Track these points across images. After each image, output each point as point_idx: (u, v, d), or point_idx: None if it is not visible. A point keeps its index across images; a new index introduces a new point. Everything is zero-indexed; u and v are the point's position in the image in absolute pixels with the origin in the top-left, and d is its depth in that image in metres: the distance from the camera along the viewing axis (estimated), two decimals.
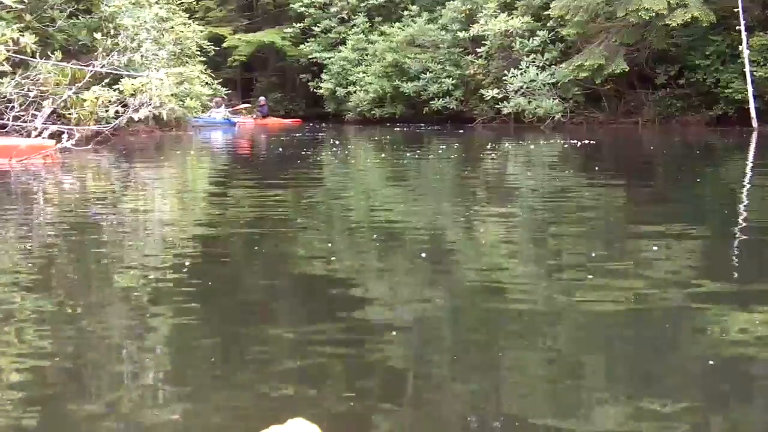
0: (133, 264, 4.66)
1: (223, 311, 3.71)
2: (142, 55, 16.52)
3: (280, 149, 16.47)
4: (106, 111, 15.62)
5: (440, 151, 15.10)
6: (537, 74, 23.20)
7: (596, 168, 11.61)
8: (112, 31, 16.55)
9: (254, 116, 31.62)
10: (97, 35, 16.38)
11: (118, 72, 16.21)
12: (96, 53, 16.27)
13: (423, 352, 3.12)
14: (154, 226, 6.28)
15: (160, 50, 17.85)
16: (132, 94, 15.54)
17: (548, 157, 13.98)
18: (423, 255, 4.74)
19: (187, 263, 4.62)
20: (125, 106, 15.79)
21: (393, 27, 29.39)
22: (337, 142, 18.60)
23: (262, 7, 39.98)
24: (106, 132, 16.07)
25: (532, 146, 15.62)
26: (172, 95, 21.90)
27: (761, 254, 4.94)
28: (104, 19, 17.34)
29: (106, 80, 15.95)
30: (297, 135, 22.18)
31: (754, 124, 19.17)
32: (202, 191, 9.17)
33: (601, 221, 6.31)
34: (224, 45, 35.76)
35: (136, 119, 15.60)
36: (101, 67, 15.90)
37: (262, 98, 32.92)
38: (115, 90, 15.75)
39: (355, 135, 22.90)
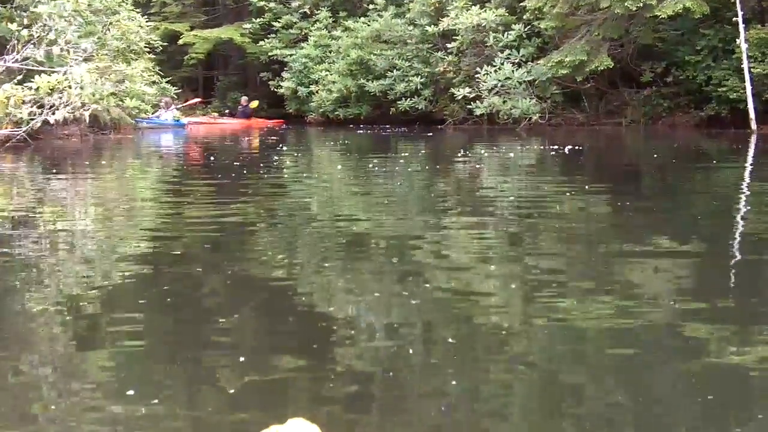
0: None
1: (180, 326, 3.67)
2: (61, 48, 14.37)
3: (237, 156, 14.53)
4: (21, 112, 13.58)
5: (402, 160, 13.20)
6: (512, 71, 21.33)
7: (579, 176, 10.20)
8: (25, 21, 14.43)
9: (237, 115, 30.22)
10: (12, 26, 14.28)
11: (34, 68, 14.12)
12: (8, 46, 14.21)
13: (391, 366, 3.07)
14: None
15: (84, 43, 15.64)
16: (49, 93, 13.47)
17: (526, 163, 12.32)
18: (390, 277, 4.53)
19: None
20: (42, 107, 13.74)
21: (358, 22, 27.50)
22: (283, 149, 16.73)
23: (221, 2, 38.01)
24: (20, 136, 13.99)
25: (511, 154, 13.74)
26: (111, 94, 19.98)
27: (756, 272, 4.69)
28: (18, 8, 15.21)
29: (19, 77, 13.90)
30: (240, 139, 20.33)
31: (753, 125, 17.37)
32: (123, 205, 7.78)
33: (583, 235, 5.92)
34: (180, 42, 33.80)
35: (52, 122, 13.51)
36: (13, 62, 13.81)
37: (244, 98, 31.24)
38: (30, 88, 13.70)
39: (317, 138, 21.28)
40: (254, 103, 31.14)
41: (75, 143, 17.21)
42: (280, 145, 17.54)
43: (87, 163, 12.63)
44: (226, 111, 32.96)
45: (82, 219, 7.01)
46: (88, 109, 13.59)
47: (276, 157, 13.31)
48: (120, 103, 20.23)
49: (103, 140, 18.42)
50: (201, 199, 8.32)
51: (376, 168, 11.51)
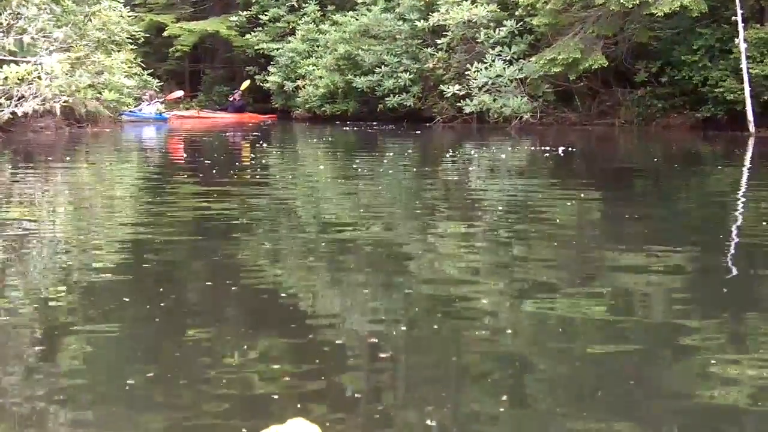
0: None
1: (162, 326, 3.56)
2: (32, 37, 13.69)
3: (215, 153, 13.91)
4: None
5: (386, 161, 12.61)
6: (503, 69, 20.73)
7: (574, 179, 9.64)
8: None
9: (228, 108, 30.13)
10: None
11: (4, 57, 13.46)
12: None
13: (378, 376, 3.00)
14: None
15: (57, 32, 14.95)
16: (18, 84, 12.82)
17: (516, 164, 11.75)
18: (374, 285, 4.36)
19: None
20: (11, 98, 13.10)
21: (346, 16, 26.85)
22: (264, 146, 16.14)
23: None
24: None
25: (502, 155, 13.14)
26: (88, 86, 19.30)
27: (750, 283, 4.52)
28: None
29: None
30: (225, 133, 19.72)
31: (751, 128, 16.82)
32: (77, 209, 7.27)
33: (574, 242, 5.65)
34: (165, 34, 33.09)
35: (20, 114, 12.85)
36: None
37: (236, 91, 30.97)
38: None
39: (302, 134, 20.88)
40: (245, 84, 30.53)
41: (49, 136, 16.56)
42: (261, 142, 16.95)
43: (50, 158, 11.99)
44: (217, 106, 32.42)
45: (30, 220, 6.39)
46: (59, 101, 12.90)
47: (253, 155, 12.67)
48: (98, 95, 19.53)
49: (78, 134, 17.77)
50: (156, 204, 7.72)
51: (360, 170, 10.91)
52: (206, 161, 11.86)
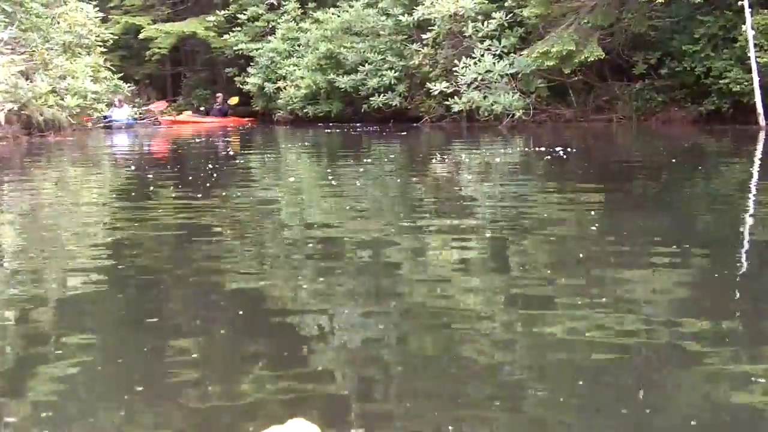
0: None
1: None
2: None
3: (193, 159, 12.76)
4: None
5: (372, 165, 11.46)
6: (493, 64, 19.55)
7: (570, 181, 8.63)
8: None
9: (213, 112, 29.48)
10: None
11: None
12: None
13: (366, 384, 2.90)
14: None
15: (1, 33, 13.73)
16: None
17: (510, 169, 10.62)
18: (362, 290, 4.11)
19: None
20: None
21: (327, 13, 25.75)
22: (235, 153, 15.04)
23: None
24: None
25: (497, 159, 11.96)
26: (50, 92, 18.15)
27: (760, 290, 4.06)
28: None
29: None
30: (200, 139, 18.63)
31: (761, 121, 15.63)
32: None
33: (575, 250, 5.10)
34: (140, 36, 31.99)
35: None
36: None
37: (219, 95, 30.10)
38: None
39: (284, 137, 19.82)
40: (233, 100, 29.61)
41: (4, 147, 15.31)
42: (229, 150, 15.85)
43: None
44: (201, 109, 31.38)
45: None
46: (3, 109, 11.69)
47: (210, 166, 11.50)
48: (61, 101, 18.34)
49: (38, 143, 16.51)
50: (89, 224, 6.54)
51: (337, 176, 9.75)
52: (146, 175, 10.71)
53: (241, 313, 3.75)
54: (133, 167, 12.02)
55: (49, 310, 3.84)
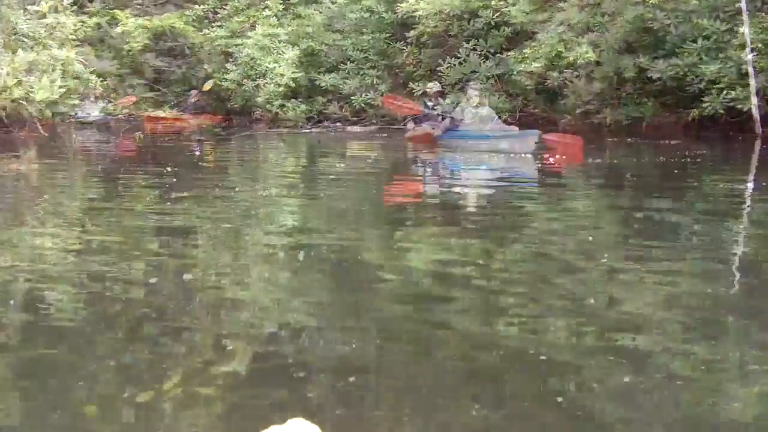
0: None
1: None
2: None
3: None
4: None
5: (352, 173, 10.84)
6: (479, 64, 18.96)
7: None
8: None
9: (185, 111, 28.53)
10: None
11: None
12: None
13: (350, 391, 2.94)
14: None
15: None
16: None
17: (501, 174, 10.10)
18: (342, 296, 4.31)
19: None
20: None
21: (309, 9, 25.07)
22: (217, 152, 14.45)
23: None
24: None
25: (483, 166, 11.42)
26: (15, 84, 17.40)
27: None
28: None
29: None
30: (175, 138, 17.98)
31: (757, 128, 15.02)
32: None
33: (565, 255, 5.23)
34: (118, 30, 31.17)
35: None
36: None
37: (193, 92, 29.23)
38: None
39: (262, 137, 19.99)
40: (207, 86, 28.75)
41: None
42: (208, 149, 15.27)
43: None
44: (174, 105, 30.56)
45: None
46: None
47: (169, 169, 10.89)
48: (27, 96, 17.52)
49: (2, 139, 15.80)
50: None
51: (316, 179, 9.14)
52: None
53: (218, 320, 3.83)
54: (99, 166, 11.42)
55: None
